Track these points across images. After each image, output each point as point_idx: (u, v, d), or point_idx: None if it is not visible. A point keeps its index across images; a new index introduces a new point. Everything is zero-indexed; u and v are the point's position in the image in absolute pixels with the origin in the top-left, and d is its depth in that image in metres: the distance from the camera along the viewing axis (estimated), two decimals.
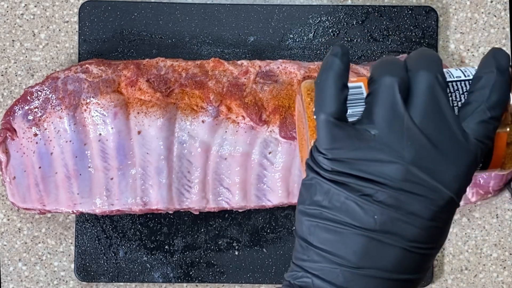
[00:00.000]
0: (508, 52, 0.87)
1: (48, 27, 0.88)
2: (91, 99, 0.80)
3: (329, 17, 0.87)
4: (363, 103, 0.53)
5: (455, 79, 0.54)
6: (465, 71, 0.55)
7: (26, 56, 0.88)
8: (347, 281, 0.51)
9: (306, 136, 0.57)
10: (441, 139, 0.51)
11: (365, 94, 0.53)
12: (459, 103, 0.53)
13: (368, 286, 0.51)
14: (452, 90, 0.53)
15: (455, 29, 0.88)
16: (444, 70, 0.53)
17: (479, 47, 0.88)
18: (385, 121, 0.51)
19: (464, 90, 0.53)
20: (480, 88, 0.52)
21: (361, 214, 0.51)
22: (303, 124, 0.60)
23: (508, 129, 0.54)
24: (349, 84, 0.53)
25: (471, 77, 0.54)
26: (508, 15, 0.88)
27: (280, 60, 0.82)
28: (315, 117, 0.52)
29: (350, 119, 0.53)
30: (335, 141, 0.51)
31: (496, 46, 0.87)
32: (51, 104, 0.81)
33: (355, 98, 0.53)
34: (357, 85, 0.54)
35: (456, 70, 0.55)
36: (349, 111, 0.53)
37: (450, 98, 0.53)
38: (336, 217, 0.51)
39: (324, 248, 0.52)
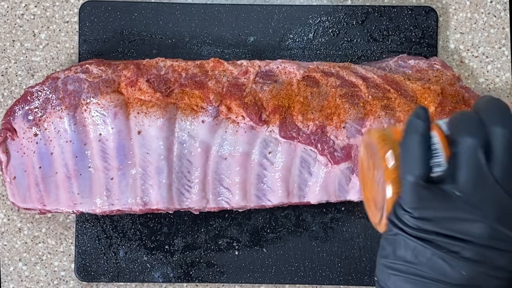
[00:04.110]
0: (508, 52, 0.87)
1: (48, 27, 0.88)
2: (91, 99, 0.81)
3: (329, 17, 0.87)
4: (438, 153, 0.55)
5: None
6: None
7: (27, 56, 0.88)
8: None
9: (378, 182, 0.59)
10: None
11: (438, 143, 0.55)
12: None
13: None
14: None
15: (455, 29, 0.88)
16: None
17: (479, 47, 0.88)
18: (470, 183, 0.53)
19: None
20: None
21: (448, 270, 0.53)
22: (368, 167, 0.62)
23: None
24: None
25: None
26: (508, 15, 0.88)
27: (279, 60, 0.82)
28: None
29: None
30: (422, 201, 0.54)
31: (496, 46, 0.87)
32: (51, 104, 0.81)
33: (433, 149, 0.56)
34: (435, 139, 0.56)
35: None
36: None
37: None
38: (423, 272, 0.54)
39: None
